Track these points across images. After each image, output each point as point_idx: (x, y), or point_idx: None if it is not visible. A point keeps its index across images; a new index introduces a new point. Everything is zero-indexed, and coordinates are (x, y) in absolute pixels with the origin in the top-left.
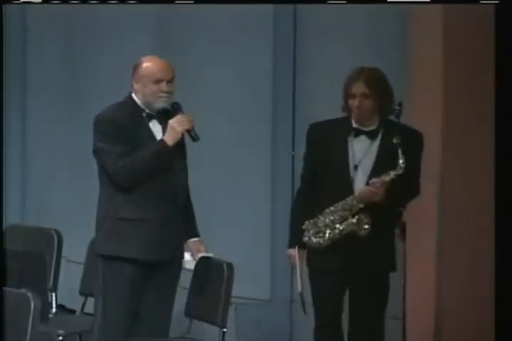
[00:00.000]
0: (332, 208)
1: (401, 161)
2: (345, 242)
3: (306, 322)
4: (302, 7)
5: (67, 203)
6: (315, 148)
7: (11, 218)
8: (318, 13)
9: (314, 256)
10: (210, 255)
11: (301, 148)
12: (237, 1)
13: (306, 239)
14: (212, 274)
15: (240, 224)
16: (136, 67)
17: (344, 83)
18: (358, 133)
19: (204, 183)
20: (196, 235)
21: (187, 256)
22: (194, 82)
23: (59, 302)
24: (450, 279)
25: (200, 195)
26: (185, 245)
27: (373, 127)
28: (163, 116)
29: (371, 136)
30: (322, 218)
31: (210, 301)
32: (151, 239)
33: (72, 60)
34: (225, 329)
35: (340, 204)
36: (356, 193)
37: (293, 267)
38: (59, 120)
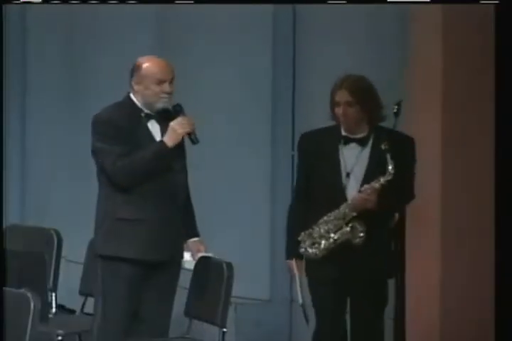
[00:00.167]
0: (326, 218)
1: (390, 167)
2: (341, 251)
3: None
4: (302, 7)
5: (66, 203)
6: (306, 157)
7: (11, 218)
8: (317, 13)
9: (312, 266)
10: (210, 255)
11: None
12: (237, 1)
13: (302, 250)
14: (212, 274)
15: (239, 224)
16: (137, 68)
17: (330, 91)
18: (347, 140)
19: (204, 183)
20: (196, 235)
21: (187, 256)
22: (194, 82)
23: (59, 302)
24: (450, 279)
25: (200, 195)
26: (185, 245)
27: (363, 134)
28: (162, 117)
29: (361, 143)
30: (317, 228)
31: (209, 301)
32: (150, 239)
33: (72, 60)
34: (224, 329)
35: (333, 214)
36: (349, 201)
37: (292, 278)
38: (59, 120)
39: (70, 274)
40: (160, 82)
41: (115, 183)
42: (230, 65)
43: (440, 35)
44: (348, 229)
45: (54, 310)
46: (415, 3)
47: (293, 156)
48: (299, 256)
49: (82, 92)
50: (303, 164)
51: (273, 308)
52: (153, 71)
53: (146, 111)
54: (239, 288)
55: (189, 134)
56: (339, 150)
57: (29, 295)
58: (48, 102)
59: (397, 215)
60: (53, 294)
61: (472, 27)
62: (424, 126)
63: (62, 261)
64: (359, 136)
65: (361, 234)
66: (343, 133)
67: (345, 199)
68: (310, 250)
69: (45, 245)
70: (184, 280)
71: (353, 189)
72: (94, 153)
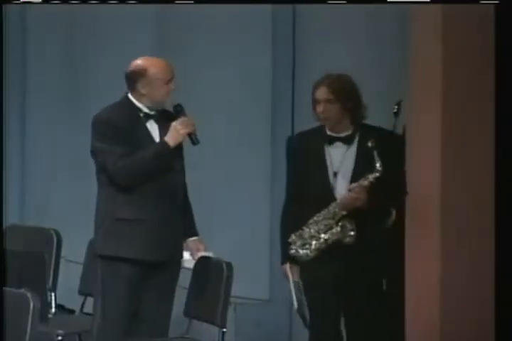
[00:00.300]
0: (315, 218)
1: (378, 164)
2: (333, 251)
3: None
4: (301, 7)
5: (66, 203)
6: (294, 160)
7: (11, 218)
8: (317, 13)
9: (305, 269)
10: (209, 254)
11: None
12: (237, 1)
13: (293, 251)
14: (211, 274)
15: (239, 224)
16: (142, 72)
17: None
18: (332, 140)
19: (204, 183)
20: (195, 234)
21: (186, 255)
22: (194, 82)
23: (58, 302)
24: (450, 279)
25: (200, 195)
26: (184, 244)
27: (348, 133)
28: (161, 117)
29: (347, 141)
30: (307, 229)
31: (209, 301)
32: (150, 240)
33: (72, 60)
34: (224, 329)
35: (323, 214)
36: (338, 200)
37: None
38: (59, 120)
39: (70, 274)
40: (168, 82)
41: (116, 183)
42: (230, 65)
43: (440, 35)
44: (338, 228)
45: (53, 310)
46: (415, 3)
47: None
48: (294, 260)
49: (82, 92)
50: (292, 166)
51: (273, 308)
52: (161, 72)
53: (145, 110)
54: (238, 288)
55: (190, 134)
56: (325, 150)
57: (29, 295)
58: (48, 102)
59: (394, 214)
60: (53, 294)
61: (472, 27)
62: (424, 126)
63: (62, 261)
64: (344, 134)
65: (352, 233)
66: (328, 132)
67: (333, 199)
68: (301, 251)
69: (44, 245)
70: (184, 280)
71: (341, 188)
72: (94, 153)
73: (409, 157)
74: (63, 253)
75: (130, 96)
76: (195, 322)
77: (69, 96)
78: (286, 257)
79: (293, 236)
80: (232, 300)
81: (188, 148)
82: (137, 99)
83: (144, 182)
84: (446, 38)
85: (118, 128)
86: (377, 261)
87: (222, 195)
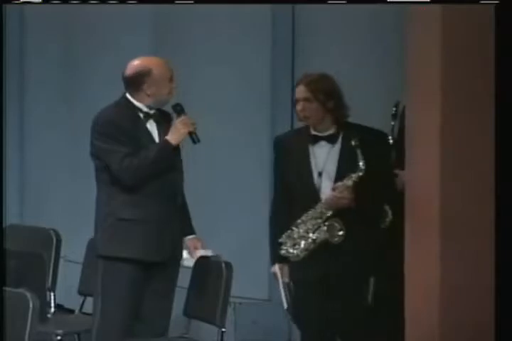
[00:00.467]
0: (303, 218)
1: (361, 163)
2: (323, 250)
3: None
4: (301, 7)
5: (65, 203)
6: (280, 160)
7: (10, 218)
8: (316, 13)
9: (295, 269)
10: (208, 252)
11: None
12: (236, 1)
13: (283, 252)
14: (211, 274)
15: (239, 224)
16: (147, 72)
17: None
18: (316, 139)
19: (204, 183)
20: (192, 232)
21: (184, 253)
22: (193, 82)
23: (57, 301)
24: (450, 279)
25: (200, 195)
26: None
27: (331, 132)
28: (159, 116)
29: (330, 140)
30: (296, 229)
31: (208, 301)
32: (154, 240)
33: (71, 60)
34: (223, 329)
35: (310, 213)
36: (323, 200)
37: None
38: (58, 120)
39: (69, 274)
40: (170, 80)
41: (122, 183)
42: (229, 65)
43: (440, 35)
44: (325, 228)
45: (53, 309)
46: (415, 3)
47: None
48: (285, 260)
49: (81, 92)
50: (278, 167)
51: (272, 308)
52: (164, 71)
53: (145, 110)
54: (238, 288)
55: (190, 133)
56: (309, 149)
57: (28, 294)
58: (47, 102)
59: (390, 213)
60: (52, 294)
61: (472, 27)
62: (424, 126)
63: (61, 261)
64: (327, 133)
65: (340, 233)
66: (312, 132)
67: (319, 199)
68: (291, 251)
69: (43, 245)
70: (183, 280)
71: (327, 187)
72: (96, 153)
73: (408, 157)
74: (62, 253)
75: (129, 96)
76: (194, 321)
77: (68, 96)
78: (276, 257)
79: (283, 237)
80: (231, 299)
81: (188, 148)
82: (138, 100)
83: (148, 181)
84: (446, 38)
85: (120, 128)
86: (368, 260)
87: (222, 195)
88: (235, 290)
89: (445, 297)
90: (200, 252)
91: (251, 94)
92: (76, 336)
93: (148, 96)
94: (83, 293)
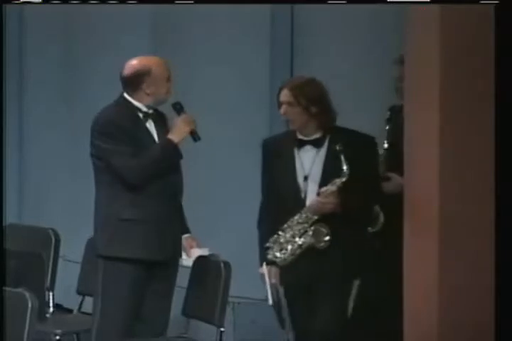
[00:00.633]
0: (289, 222)
1: (345, 168)
2: (310, 255)
3: None
4: (300, 7)
5: (65, 202)
6: (267, 163)
7: (9, 217)
8: (315, 13)
9: (282, 272)
10: (205, 251)
11: None
12: (236, 1)
13: (270, 256)
14: (209, 274)
15: (238, 223)
16: (146, 71)
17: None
18: (302, 143)
19: (203, 183)
20: (187, 231)
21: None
22: (192, 82)
23: (56, 301)
24: (450, 279)
25: (199, 195)
26: None
27: (317, 136)
28: (156, 116)
29: (316, 145)
30: (282, 234)
31: (207, 300)
32: (155, 239)
33: (71, 60)
34: (222, 329)
35: (296, 218)
36: (308, 205)
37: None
38: (57, 120)
39: (68, 273)
40: (168, 79)
41: (126, 183)
42: (229, 65)
43: (440, 35)
44: (310, 232)
45: (51, 309)
46: (415, 3)
47: None
48: (274, 263)
49: (81, 92)
50: (265, 170)
51: (271, 308)
52: (163, 70)
53: (144, 110)
54: (237, 288)
55: (191, 132)
56: (295, 153)
57: (27, 294)
58: (47, 102)
59: (382, 216)
60: (51, 293)
61: (472, 27)
62: (423, 127)
63: (60, 261)
64: (313, 137)
65: (326, 238)
66: (299, 136)
67: (304, 203)
68: (278, 255)
69: (42, 244)
70: (182, 280)
71: (312, 192)
72: (97, 154)
73: (407, 157)
74: (61, 252)
75: (127, 96)
76: (193, 321)
77: (68, 96)
78: (263, 260)
79: (270, 241)
80: (230, 299)
81: (187, 148)
82: (137, 99)
83: (153, 180)
84: (445, 38)
85: (122, 128)
86: (354, 265)
87: (222, 195)
88: (233, 289)
89: (444, 297)
90: (197, 251)
91: (250, 94)
92: (75, 336)
93: (148, 95)
94: (82, 292)
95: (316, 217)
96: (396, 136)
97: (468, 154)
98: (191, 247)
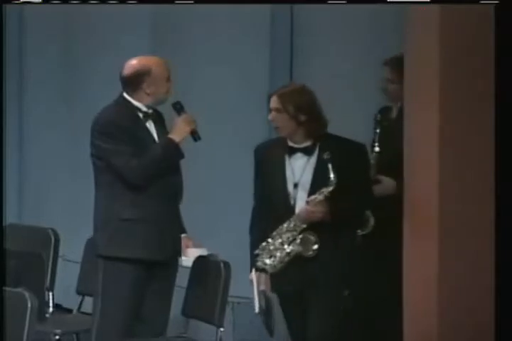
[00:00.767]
0: (278, 230)
1: (332, 176)
2: (299, 263)
3: None
4: (300, 7)
5: (64, 202)
6: (258, 169)
7: (9, 217)
8: (315, 13)
9: (274, 280)
10: (204, 252)
11: None
12: (236, 1)
13: (259, 263)
14: (209, 274)
15: (237, 223)
16: (146, 71)
17: None
18: (292, 151)
19: (203, 183)
20: (183, 231)
21: None
22: (192, 82)
23: (56, 301)
24: (449, 279)
25: (199, 195)
26: None
27: (308, 144)
28: (156, 116)
29: (307, 152)
30: (271, 241)
31: (207, 300)
32: (155, 239)
33: (70, 60)
34: (222, 329)
35: (285, 226)
36: (296, 213)
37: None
38: (57, 119)
39: (68, 273)
40: (168, 79)
41: (128, 183)
42: (228, 65)
43: (439, 35)
44: (298, 241)
45: (51, 309)
46: (415, 3)
47: None
48: (264, 270)
49: (81, 92)
50: (257, 176)
51: None
52: (163, 70)
53: (144, 109)
54: (236, 288)
55: (191, 131)
56: (285, 160)
57: (26, 294)
58: (47, 102)
59: (372, 220)
60: (50, 293)
61: (472, 27)
62: (422, 127)
63: (60, 261)
64: (303, 145)
65: (315, 247)
66: (289, 143)
67: (294, 210)
68: (267, 262)
69: (42, 244)
70: (182, 280)
71: (302, 199)
72: (97, 153)
73: (407, 157)
74: (61, 252)
75: (127, 96)
76: (192, 321)
77: (68, 96)
78: (254, 266)
79: (260, 248)
80: (229, 299)
81: (187, 148)
82: (137, 99)
83: (154, 180)
84: (445, 38)
85: (122, 128)
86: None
87: (222, 195)
88: (233, 289)
89: (444, 297)
90: (193, 251)
91: (250, 94)
92: (74, 335)
93: (148, 95)
94: (82, 292)
95: (304, 226)
96: (386, 138)
97: (468, 154)
98: (187, 247)
